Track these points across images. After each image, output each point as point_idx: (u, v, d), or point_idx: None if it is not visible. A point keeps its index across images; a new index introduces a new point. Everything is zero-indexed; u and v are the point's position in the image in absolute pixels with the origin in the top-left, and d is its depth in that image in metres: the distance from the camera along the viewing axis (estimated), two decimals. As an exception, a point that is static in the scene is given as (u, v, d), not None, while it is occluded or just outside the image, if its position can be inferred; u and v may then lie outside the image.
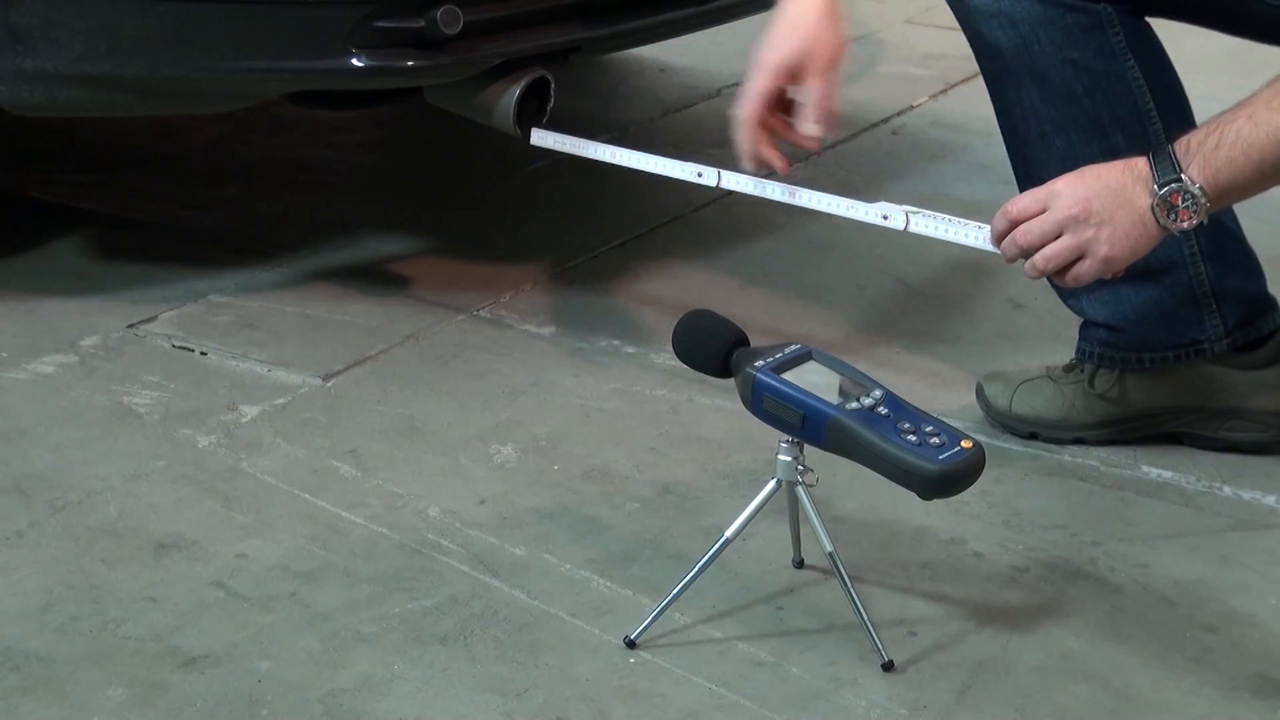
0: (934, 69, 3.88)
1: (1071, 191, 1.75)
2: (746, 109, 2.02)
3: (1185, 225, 1.71)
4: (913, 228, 1.93)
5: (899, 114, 3.58)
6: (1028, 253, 1.77)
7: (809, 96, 2.03)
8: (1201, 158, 1.70)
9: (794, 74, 2.02)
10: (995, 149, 3.26)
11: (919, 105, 3.64)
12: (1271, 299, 2.21)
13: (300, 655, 1.77)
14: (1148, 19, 2.09)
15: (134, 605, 1.86)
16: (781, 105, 2.04)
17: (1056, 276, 1.79)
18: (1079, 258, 1.75)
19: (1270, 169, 1.69)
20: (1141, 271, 2.14)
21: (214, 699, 1.70)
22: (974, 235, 1.86)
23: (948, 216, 1.91)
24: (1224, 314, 2.16)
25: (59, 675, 1.74)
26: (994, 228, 1.81)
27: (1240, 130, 1.69)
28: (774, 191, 2.07)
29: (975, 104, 3.57)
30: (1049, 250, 1.76)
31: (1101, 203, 1.73)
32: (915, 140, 3.43)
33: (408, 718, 1.68)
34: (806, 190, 2.04)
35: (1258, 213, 2.21)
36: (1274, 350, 2.18)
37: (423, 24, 2.30)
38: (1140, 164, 1.73)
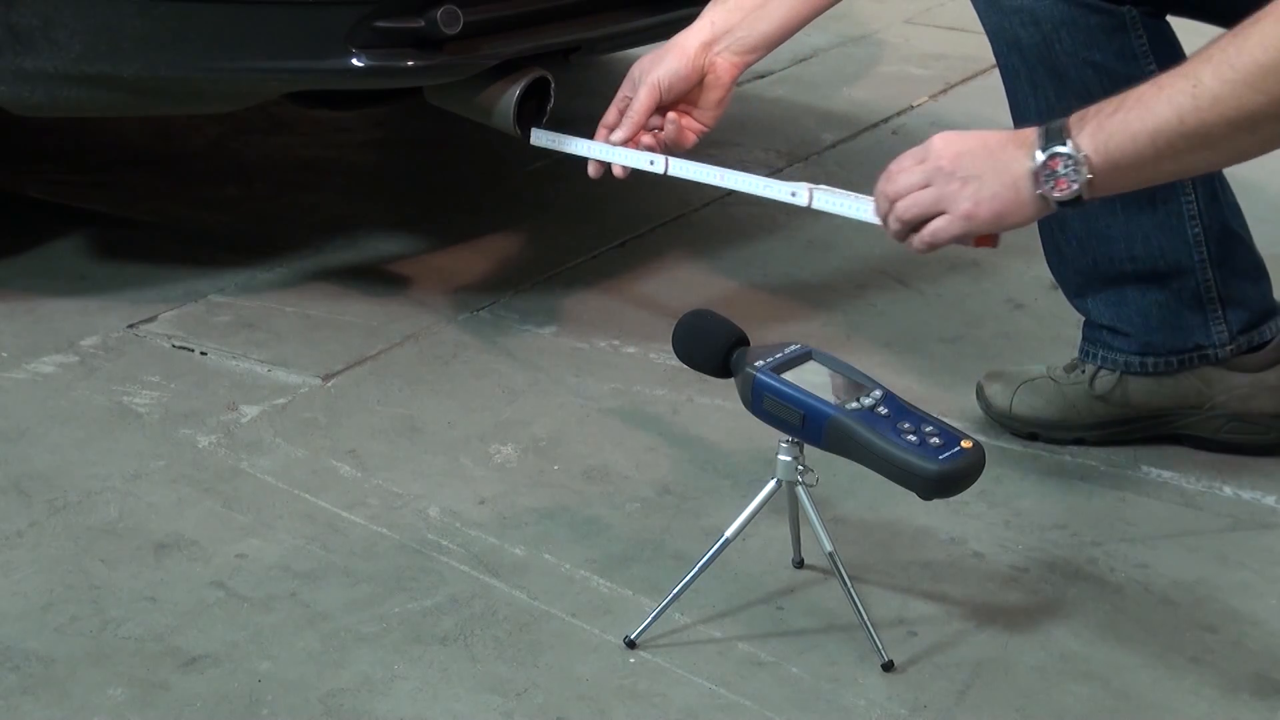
0: (934, 69, 3.88)
1: (945, 145, 1.69)
2: (629, 130, 2.07)
3: (1060, 194, 1.61)
4: (815, 204, 1.90)
5: (899, 114, 3.58)
6: (894, 203, 1.71)
7: (671, 123, 2.09)
8: (1095, 124, 1.61)
9: (678, 96, 2.08)
10: (995, 149, 3.28)
11: (919, 105, 3.64)
12: (1275, 304, 2.21)
13: (300, 655, 1.78)
14: (1169, 20, 2.08)
15: (134, 605, 1.86)
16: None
17: (916, 239, 1.71)
18: (940, 213, 1.69)
19: (1167, 142, 1.56)
20: (1148, 275, 2.14)
21: (214, 699, 1.71)
22: (867, 209, 1.80)
23: (846, 192, 1.85)
24: (1229, 320, 2.15)
25: (59, 675, 1.74)
26: (876, 187, 1.76)
27: (1143, 95, 1.59)
28: (708, 175, 2.04)
29: (975, 104, 3.57)
30: (910, 198, 1.70)
31: (973, 159, 1.67)
32: (915, 140, 3.39)
33: (408, 718, 1.69)
34: (732, 172, 2.01)
35: (1257, 212, 2.22)
36: (1275, 353, 2.18)
37: (423, 24, 2.30)
38: (1029, 131, 1.66)
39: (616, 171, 2.10)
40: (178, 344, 2.49)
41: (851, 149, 3.38)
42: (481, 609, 1.86)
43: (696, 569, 1.78)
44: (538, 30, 2.44)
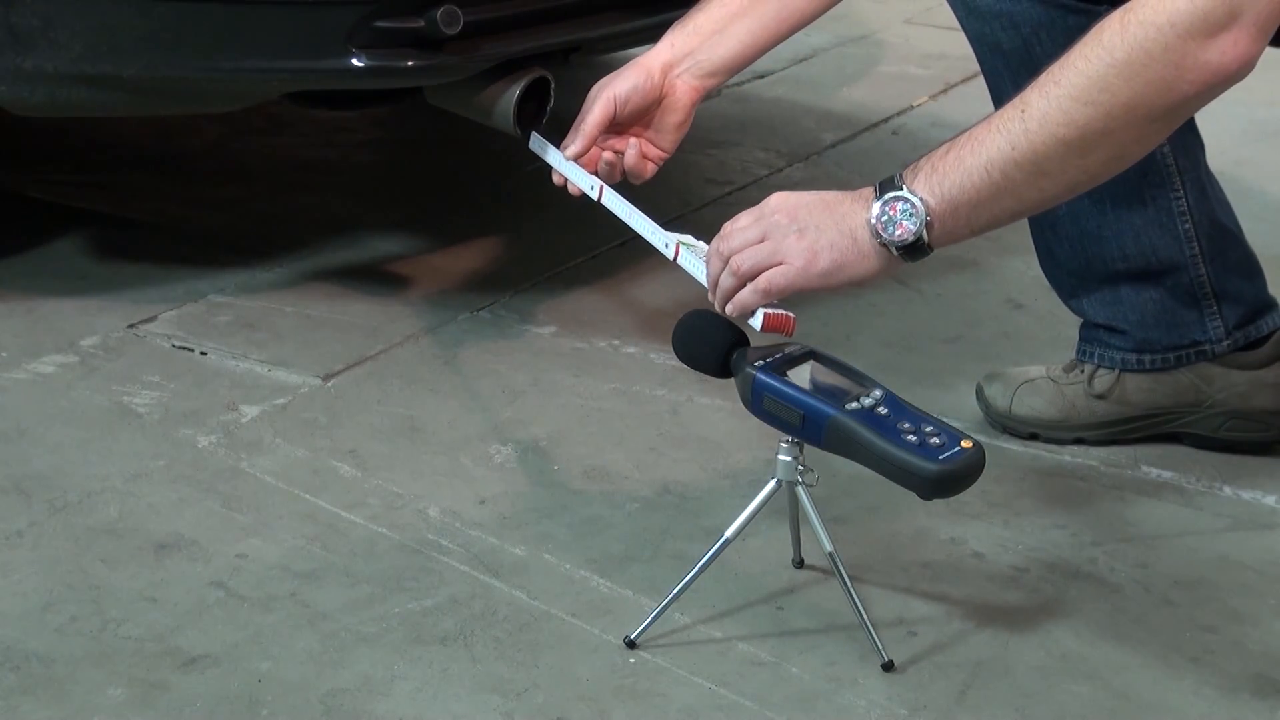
0: (934, 69, 3.88)
1: (781, 201, 1.69)
2: (580, 145, 2.03)
3: (902, 237, 1.60)
4: (680, 261, 1.88)
5: (899, 114, 3.58)
6: (728, 259, 1.70)
7: (633, 148, 2.04)
8: (929, 167, 1.60)
9: (635, 112, 2.03)
10: (995, 149, 3.28)
11: (919, 105, 3.64)
12: (1271, 299, 2.21)
13: (300, 655, 1.78)
14: None
15: (134, 605, 1.86)
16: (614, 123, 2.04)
17: (748, 290, 1.70)
18: (776, 263, 1.67)
19: (1001, 172, 1.55)
20: (1142, 273, 2.15)
21: (214, 699, 1.71)
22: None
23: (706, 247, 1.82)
24: (1225, 315, 2.16)
25: (59, 675, 1.74)
26: (710, 247, 1.76)
27: (974, 132, 1.59)
28: (624, 213, 2.01)
29: (975, 104, 3.56)
30: (746, 252, 1.68)
31: (809, 212, 1.66)
32: (915, 140, 3.43)
33: (408, 718, 1.69)
34: (638, 214, 1.98)
35: (1257, 213, 2.22)
36: (1273, 350, 2.19)
37: (423, 24, 2.30)
38: (865, 189, 1.65)
39: (571, 189, 2.08)
40: (178, 344, 2.49)
41: (851, 149, 3.38)
42: (481, 609, 1.86)
43: (696, 569, 1.78)
44: (538, 30, 2.44)
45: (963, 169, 1.58)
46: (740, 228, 1.71)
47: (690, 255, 1.86)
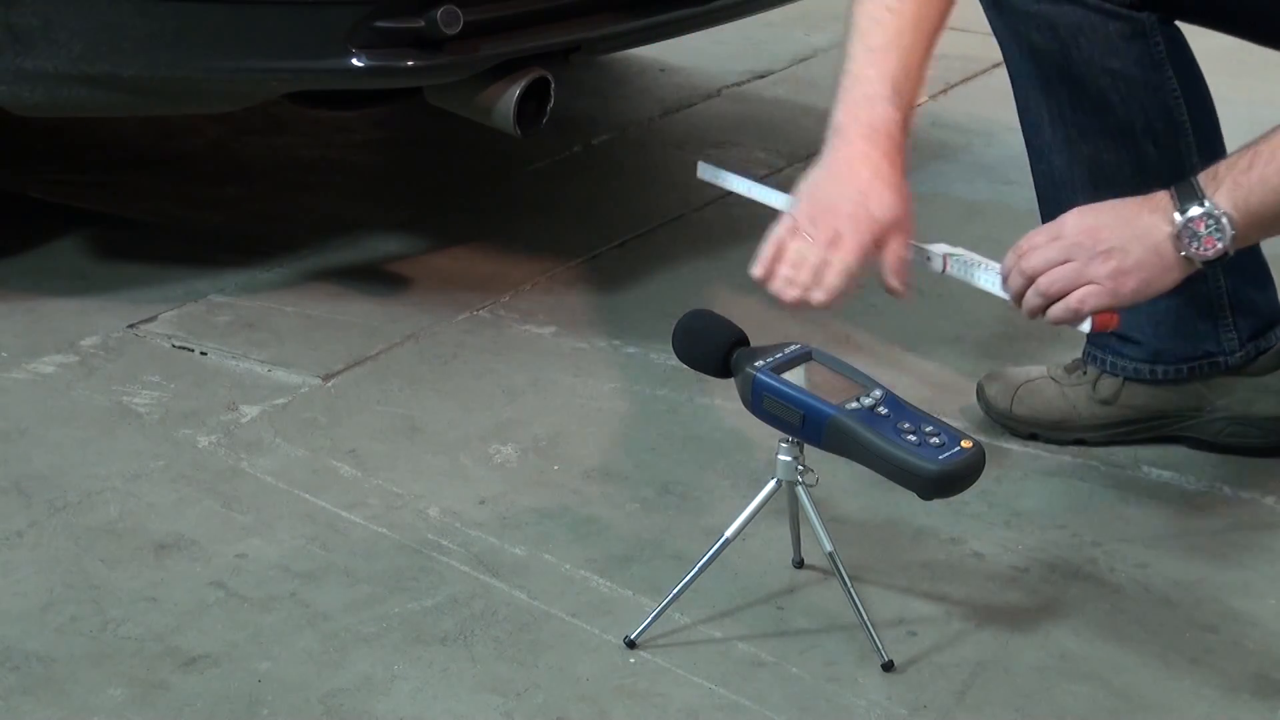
0: (934, 69, 3.86)
1: (1080, 220, 1.70)
2: (852, 261, 1.83)
3: (1209, 253, 1.64)
4: (949, 271, 1.82)
5: (899, 114, 3.58)
6: (1032, 279, 1.71)
7: (889, 253, 1.86)
8: (1231, 181, 1.63)
9: (886, 232, 1.87)
10: (995, 149, 3.29)
11: (919, 105, 3.64)
12: None
13: (300, 655, 1.78)
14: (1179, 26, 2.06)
15: (134, 605, 1.86)
16: None
17: (1060, 307, 1.70)
18: (1086, 284, 1.68)
19: None
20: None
21: (214, 699, 1.71)
22: (998, 281, 1.77)
23: (982, 260, 1.79)
24: (1239, 327, 2.14)
25: (59, 675, 1.74)
26: (1005, 264, 1.75)
27: (1277, 148, 1.61)
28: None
29: (975, 104, 3.57)
30: (1051, 274, 1.69)
31: (1112, 231, 1.67)
32: (915, 140, 3.40)
33: (408, 718, 1.69)
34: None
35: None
36: (1275, 358, 2.18)
37: (423, 24, 2.30)
38: (1160, 196, 1.67)
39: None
40: (178, 344, 2.49)
41: (851, 149, 3.37)
42: (481, 609, 1.86)
43: (696, 569, 1.78)
44: (538, 30, 2.44)
45: (1269, 187, 1.61)
46: (1039, 246, 1.71)
47: (961, 265, 1.80)
